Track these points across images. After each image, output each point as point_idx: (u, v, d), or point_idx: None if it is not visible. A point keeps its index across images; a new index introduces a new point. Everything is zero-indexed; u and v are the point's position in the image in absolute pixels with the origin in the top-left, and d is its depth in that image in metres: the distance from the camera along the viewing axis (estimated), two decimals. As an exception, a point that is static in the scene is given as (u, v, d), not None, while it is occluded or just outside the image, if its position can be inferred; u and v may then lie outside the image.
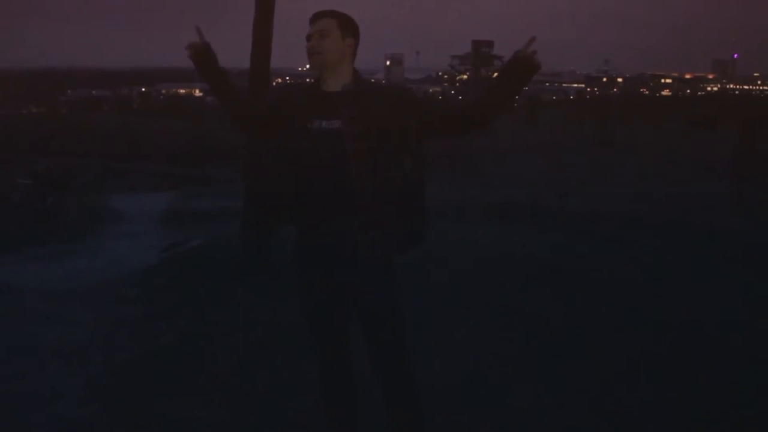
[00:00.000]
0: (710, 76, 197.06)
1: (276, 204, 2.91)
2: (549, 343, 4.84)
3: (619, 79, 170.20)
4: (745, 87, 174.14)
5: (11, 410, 3.95)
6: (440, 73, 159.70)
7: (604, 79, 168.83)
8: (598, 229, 11.31)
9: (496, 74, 2.82)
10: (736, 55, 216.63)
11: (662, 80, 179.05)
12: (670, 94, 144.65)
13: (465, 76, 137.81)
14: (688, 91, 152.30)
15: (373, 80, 2.96)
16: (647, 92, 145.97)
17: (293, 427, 3.63)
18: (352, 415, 3.05)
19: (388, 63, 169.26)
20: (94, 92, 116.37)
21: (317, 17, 2.84)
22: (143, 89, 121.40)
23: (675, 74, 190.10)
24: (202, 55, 2.89)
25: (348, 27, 2.85)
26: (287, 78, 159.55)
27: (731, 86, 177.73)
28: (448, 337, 4.88)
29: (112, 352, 4.89)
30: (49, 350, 4.92)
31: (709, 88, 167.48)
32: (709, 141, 51.15)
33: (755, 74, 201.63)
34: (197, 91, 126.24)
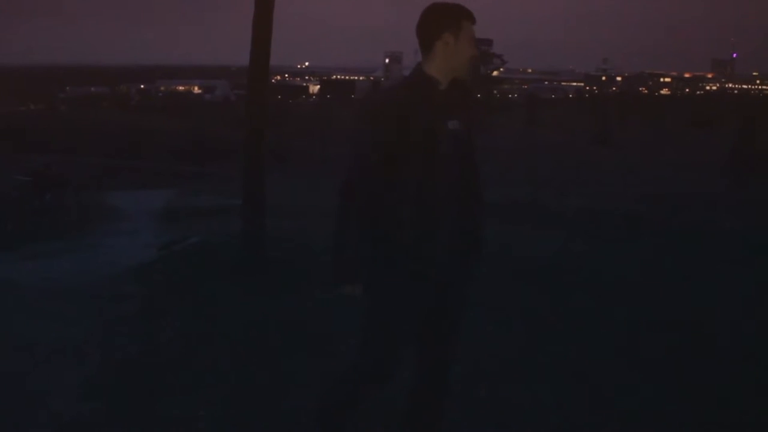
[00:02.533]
0: (709, 76, 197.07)
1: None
2: (549, 342, 4.83)
3: (618, 78, 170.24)
4: (744, 86, 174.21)
5: (10, 408, 3.93)
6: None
7: (603, 78, 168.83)
8: (597, 228, 11.30)
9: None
10: (735, 55, 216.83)
11: (661, 79, 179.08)
12: (669, 93, 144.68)
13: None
14: (687, 90, 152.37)
15: None
16: (646, 91, 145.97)
17: (293, 426, 3.61)
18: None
19: (387, 61, 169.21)
20: (92, 89, 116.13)
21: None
22: (142, 86, 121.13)
23: (674, 73, 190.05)
24: None
25: None
26: (286, 75, 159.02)
27: (730, 85, 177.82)
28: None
29: (110, 349, 4.88)
30: (47, 348, 4.90)
31: (708, 88, 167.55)
32: (709, 140, 51.16)
33: (754, 73, 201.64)
34: (196, 88, 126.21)
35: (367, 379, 2.88)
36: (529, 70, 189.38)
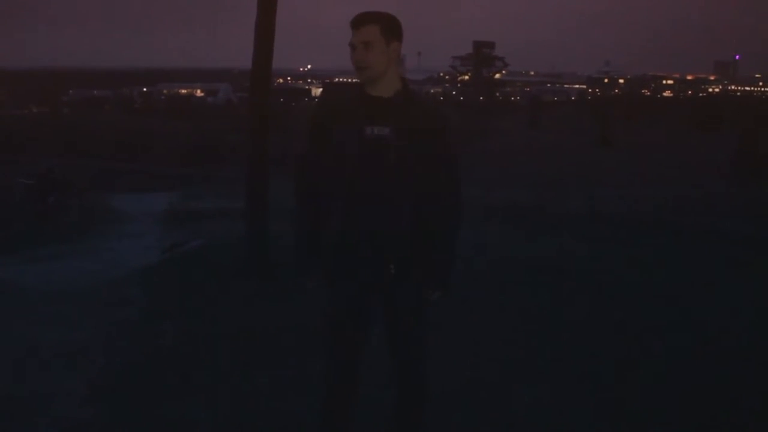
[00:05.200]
0: (712, 78, 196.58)
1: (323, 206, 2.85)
2: (549, 343, 4.84)
3: (621, 80, 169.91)
4: (747, 88, 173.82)
5: (12, 410, 3.95)
6: (441, 74, 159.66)
7: (606, 80, 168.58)
8: (598, 229, 11.31)
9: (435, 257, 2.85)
10: (737, 57, 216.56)
11: (664, 81, 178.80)
12: (671, 95, 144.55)
13: (466, 77, 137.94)
14: (690, 92, 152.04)
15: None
16: (649, 93, 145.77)
17: (293, 427, 3.63)
18: (347, 412, 3.06)
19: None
20: (95, 92, 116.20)
21: (360, 23, 2.70)
22: (144, 89, 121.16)
23: (676, 75, 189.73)
24: None
25: (392, 31, 2.75)
26: (288, 78, 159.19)
27: (732, 87, 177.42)
28: (448, 338, 4.87)
29: (112, 352, 4.89)
30: (49, 350, 4.92)
31: (710, 90, 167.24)
32: (710, 142, 51.10)
33: (756, 75, 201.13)
34: (198, 91, 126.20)
35: (325, 385, 2.95)
36: (532, 73, 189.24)
